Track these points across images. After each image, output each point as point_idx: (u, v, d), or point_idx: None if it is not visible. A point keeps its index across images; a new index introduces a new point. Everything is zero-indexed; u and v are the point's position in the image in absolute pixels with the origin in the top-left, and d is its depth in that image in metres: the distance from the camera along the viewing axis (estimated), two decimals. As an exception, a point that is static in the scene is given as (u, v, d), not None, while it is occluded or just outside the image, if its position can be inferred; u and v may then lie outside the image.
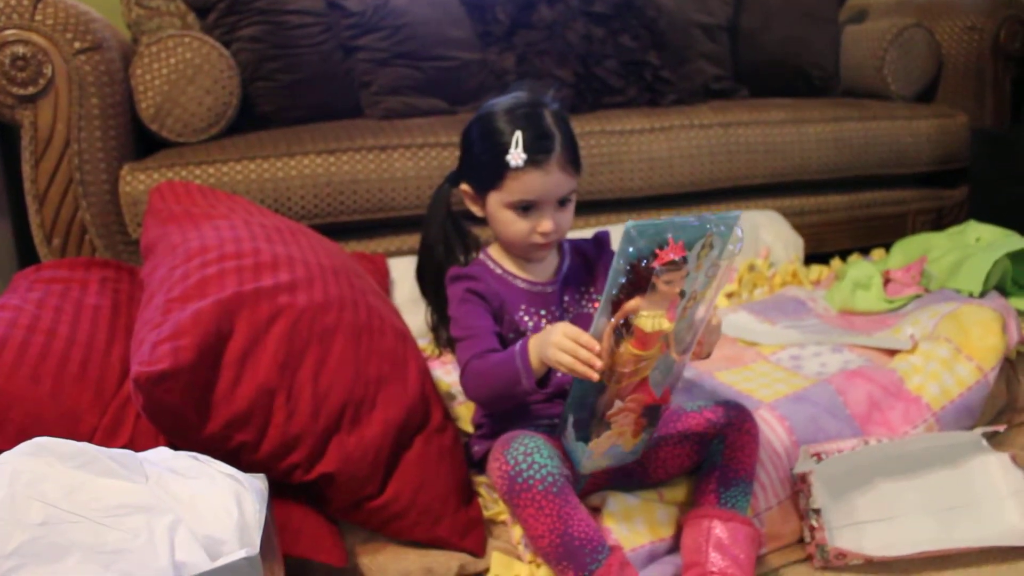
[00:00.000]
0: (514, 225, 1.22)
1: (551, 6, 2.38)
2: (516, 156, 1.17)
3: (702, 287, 0.99)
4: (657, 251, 0.94)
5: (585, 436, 1.10)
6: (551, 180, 1.19)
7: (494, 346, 1.21)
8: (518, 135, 1.18)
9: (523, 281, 1.29)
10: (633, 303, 0.97)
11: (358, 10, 2.20)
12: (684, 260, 0.94)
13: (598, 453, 1.12)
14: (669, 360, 1.04)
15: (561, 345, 1.03)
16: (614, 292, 0.98)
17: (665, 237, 0.94)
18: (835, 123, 2.38)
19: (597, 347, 1.01)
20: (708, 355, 1.12)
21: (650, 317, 0.97)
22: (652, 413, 1.10)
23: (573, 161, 1.22)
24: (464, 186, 1.29)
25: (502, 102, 1.24)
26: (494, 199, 1.23)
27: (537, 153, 1.18)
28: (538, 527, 1.08)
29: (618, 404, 1.06)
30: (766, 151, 2.30)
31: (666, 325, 0.98)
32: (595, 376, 1.01)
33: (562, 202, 1.23)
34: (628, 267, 0.96)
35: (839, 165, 2.40)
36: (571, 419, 1.11)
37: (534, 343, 1.12)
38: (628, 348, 1.00)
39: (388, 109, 2.20)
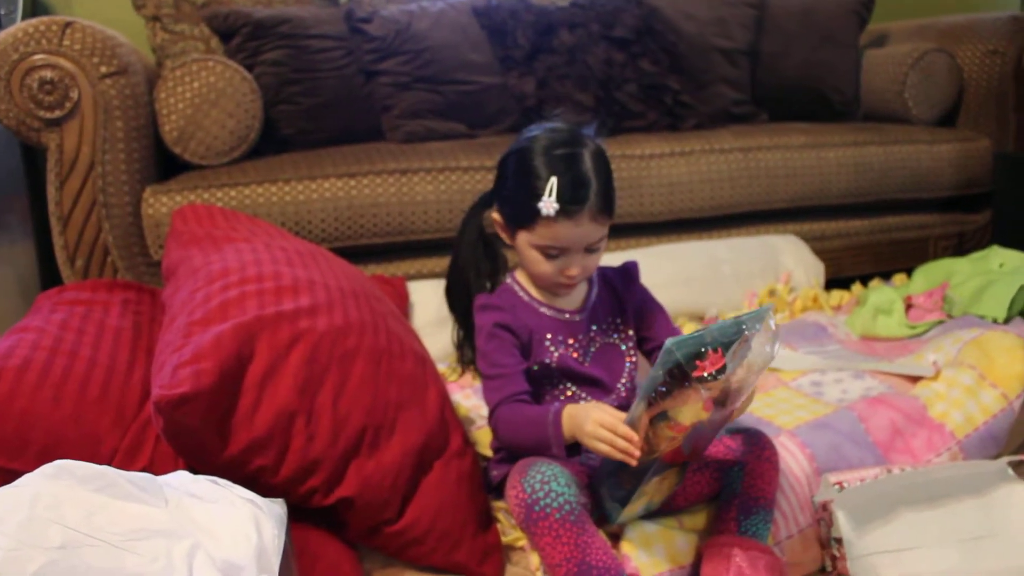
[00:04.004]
0: (540, 265, 1.22)
1: (571, 31, 2.39)
2: (548, 205, 1.15)
3: (735, 369, 1.00)
4: (697, 363, 0.95)
5: (622, 499, 1.12)
6: (580, 231, 1.18)
7: (523, 388, 1.22)
8: (553, 182, 1.15)
9: (551, 309, 1.28)
10: (672, 402, 0.99)
11: (380, 35, 2.22)
12: (723, 369, 0.96)
13: (632, 511, 1.15)
14: (701, 427, 1.06)
15: (597, 435, 1.06)
16: (652, 395, 1.00)
17: (704, 348, 0.96)
18: (856, 147, 2.37)
19: (635, 437, 1.03)
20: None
21: (689, 410, 0.99)
22: (682, 468, 1.13)
23: (606, 209, 1.20)
24: (496, 214, 1.28)
25: (541, 137, 1.21)
26: (523, 237, 1.22)
27: (570, 203, 1.15)
28: (556, 555, 1.07)
29: (655, 480, 1.09)
30: (786, 175, 2.29)
31: (703, 415, 1.01)
32: (634, 462, 1.04)
33: (591, 248, 1.22)
34: (668, 378, 0.97)
35: (860, 189, 2.38)
36: (607, 482, 1.15)
37: (568, 419, 1.12)
38: (665, 431, 1.02)
39: (409, 133, 2.21)
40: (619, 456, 1.04)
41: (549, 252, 1.20)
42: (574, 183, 1.16)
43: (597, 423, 1.06)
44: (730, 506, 1.18)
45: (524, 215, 1.19)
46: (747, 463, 1.19)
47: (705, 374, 0.95)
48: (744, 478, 1.19)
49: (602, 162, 1.21)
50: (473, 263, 1.35)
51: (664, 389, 0.98)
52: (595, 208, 1.17)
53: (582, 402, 1.27)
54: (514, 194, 1.21)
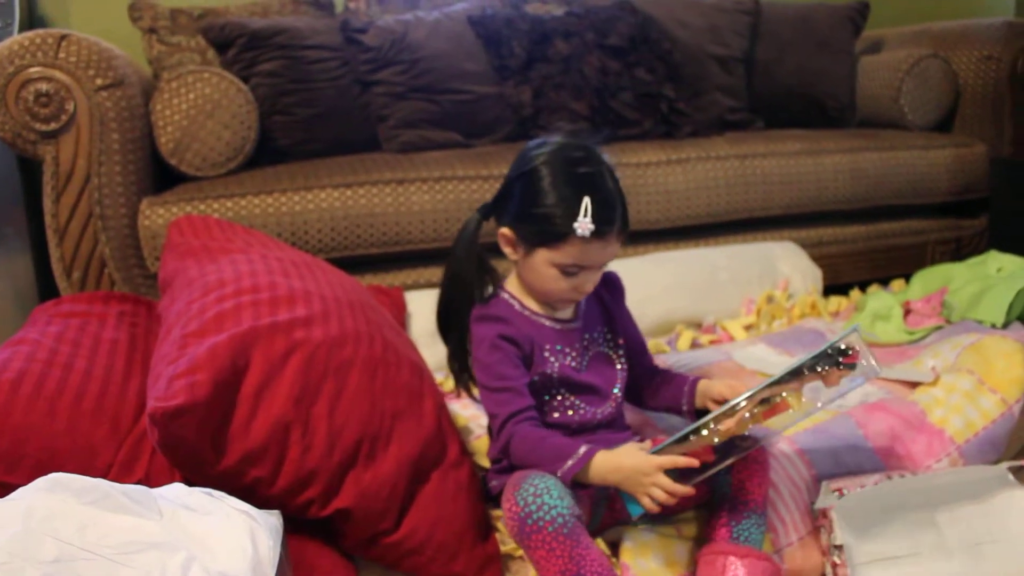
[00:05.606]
0: (556, 283, 1.20)
1: (567, 40, 2.39)
2: (584, 226, 1.13)
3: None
4: (850, 351, 1.10)
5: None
6: (608, 250, 1.18)
7: (530, 402, 1.20)
8: (587, 203, 1.13)
9: (549, 319, 1.27)
10: (795, 384, 1.11)
11: (375, 45, 2.23)
12: (854, 366, 1.10)
13: None
14: (780, 420, 1.15)
15: (658, 497, 1.08)
16: (805, 371, 1.10)
17: (851, 346, 1.10)
18: (852, 154, 2.37)
19: (692, 492, 1.09)
20: None
21: (799, 398, 1.11)
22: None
23: (626, 225, 1.19)
24: (505, 230, 1.24)
25: (558, 154, 1.18)
26: (542, 256, 1.19)
27: (603, 224, 1.14)
28: (551, 569, 1.06)
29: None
30: (783, 182, 2.30)
31: (801, 408, 1.12)
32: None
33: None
34: (831, 354, 1.10)
35: (856, 196, 2.39)
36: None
37: (602, 467, 1.11)
38: (757, 417, 1.12)
39: (405, 143, 2.22)
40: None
41: (569, 270, 1.18)
42: (604, 203, 1.15)
43: (655, 486, 1.08)
44: (720, 511, 1.17)
45: (550, 235, 1.16)
46: (733, 466, 1.17)
47: (851, 363, 1.09)
48: (731, 481, 1.17)
49: (615, 177, 1.20)
50: (476, 277, 1.30)
51: (822, 365, 1.10)
52: (620, 226, 1.17)
53: (593, 418, 1.26)
54: (536, 213, 1.17)
